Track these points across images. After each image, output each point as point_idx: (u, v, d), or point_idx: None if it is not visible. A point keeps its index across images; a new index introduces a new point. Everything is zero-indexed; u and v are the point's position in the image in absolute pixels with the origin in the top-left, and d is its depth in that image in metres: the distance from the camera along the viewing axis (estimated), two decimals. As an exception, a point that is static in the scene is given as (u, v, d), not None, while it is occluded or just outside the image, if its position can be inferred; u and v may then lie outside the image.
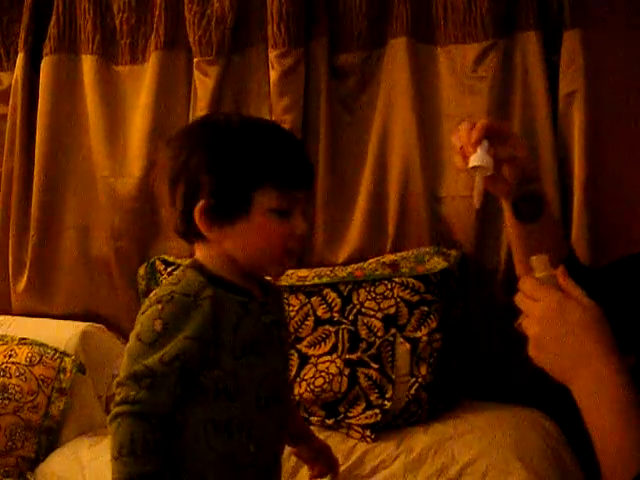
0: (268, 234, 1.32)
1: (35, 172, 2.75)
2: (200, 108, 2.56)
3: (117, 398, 1.25)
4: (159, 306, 1.29)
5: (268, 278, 1.45)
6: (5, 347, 2.42)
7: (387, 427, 2.17)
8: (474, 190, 1.28)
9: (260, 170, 1.31)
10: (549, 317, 1.09)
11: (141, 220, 2.65)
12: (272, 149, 1.33)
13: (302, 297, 2.31)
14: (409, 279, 2.25)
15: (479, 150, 1.26)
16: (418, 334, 2.21)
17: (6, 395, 2.31)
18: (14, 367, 2.36)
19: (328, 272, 2.35)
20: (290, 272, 2.39)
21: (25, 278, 2.77)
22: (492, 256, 2.38)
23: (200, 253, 1.38)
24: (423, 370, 2.20)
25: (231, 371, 1.30)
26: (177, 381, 1.26)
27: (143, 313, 1.31)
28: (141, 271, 2.57)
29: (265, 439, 1.38)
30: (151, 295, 1.34)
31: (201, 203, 1.30)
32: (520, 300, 1.15)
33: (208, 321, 1.28)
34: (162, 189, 1.37)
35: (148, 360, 1.25)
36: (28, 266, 2.76)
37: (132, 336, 1.30)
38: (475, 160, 1.26)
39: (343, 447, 2.10)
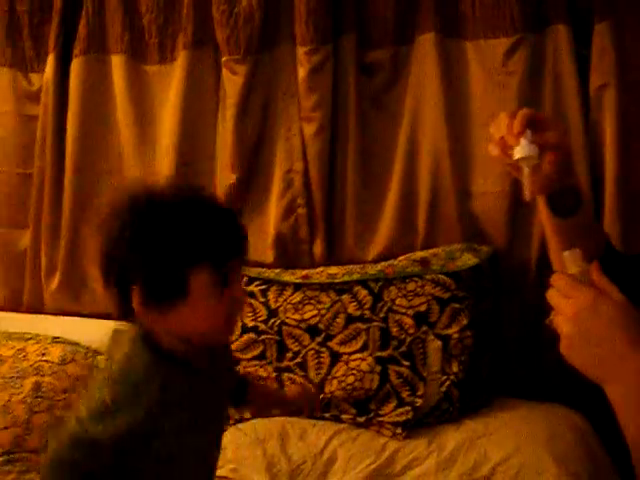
0: (210, 310, 1.29)
1: (66, 172, 2.77)
2: (229, 105, 2.56)
3: (50, 450, 1.24)
4: (111, 382, 1.28)
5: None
6: (38, 346, 2.44)
7: (418, 425, 2.17)
8: (524, 182, 1.24)
9: (194, 250, 1.26)
10: (582, 315, 1.06)
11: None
12: (203, 226, 1.28)
13: (333, 295, 2.30)
14: (440, 276, 2.24)
15: (522, 140, 1.23)
16: (449, 331, 2.20)
17: (39, 393, 2.32)
18: (47, 365, 2.38)
19: (358, 269, 2.35)
20: (320, 270, 2.40)
21: (57, 277, 2.79)
22: (523, 252, 2.37)
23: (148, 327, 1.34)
24: (455, 367, 2.19)
25: (169, 451, 1.30)
26: (111, 456, 1.22)
27: (95, 381, 1.30)
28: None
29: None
30: (106, 365, 1.33)
31: (136, 290, 1.26)
32: (552, 297, 1.12)
33: (154, 407, 1.27)
34: (100, 267, 1.32)
35: (90, 429, 1.22)
36: (60, 265, 2.78)
37: (81, 402, 1.29)
38: (521, 151, 1.22)
39: (374, 445, 2.10)
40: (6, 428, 2.30)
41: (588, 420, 2.20)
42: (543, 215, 1.39)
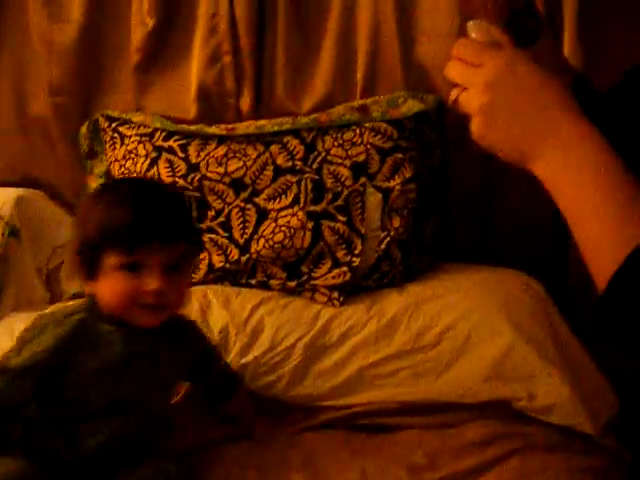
0: (116, 291, 1.42)
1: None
2: None
3: None
4: (39, 318, 1.48)
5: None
6: None
7: (356, 290, 1.94)
8: None
9: (99, 235, 1.42)
10: (498, 81, 0.88)
11: (82, 72, 2.33)
12: (112, 211, 1.43)
13: (260, 147, 2.03)
14: (381, 124, 1.99)
15: None
16: (391, 183, 1.96)
17: None
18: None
19: (290, 121, 2.09)
20: (247, 123, 2.14)
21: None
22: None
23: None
24: (396, 223, 1.96)
25: (80, 385, 1.43)
26: (30, 387, 1.39)
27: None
28: (83, 130, 2.28)
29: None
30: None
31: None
32: (455, 69, 0.93)
33: (63, 340, 1.41)
34: None
35: (11, 361, 1.40)
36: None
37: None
38: None
39: (307, 313, 1.87)
40: None
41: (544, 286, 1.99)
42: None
